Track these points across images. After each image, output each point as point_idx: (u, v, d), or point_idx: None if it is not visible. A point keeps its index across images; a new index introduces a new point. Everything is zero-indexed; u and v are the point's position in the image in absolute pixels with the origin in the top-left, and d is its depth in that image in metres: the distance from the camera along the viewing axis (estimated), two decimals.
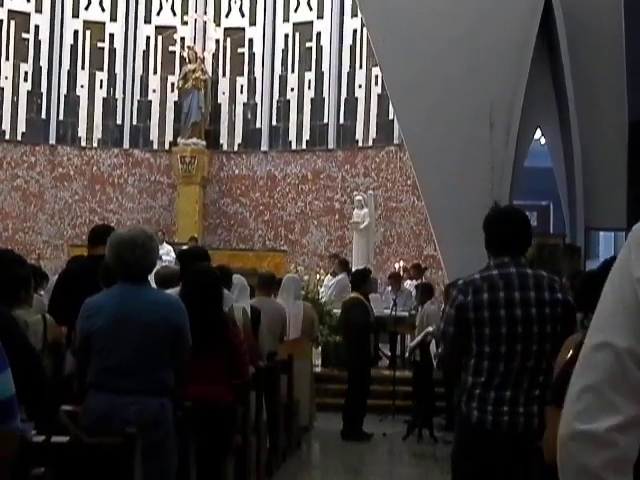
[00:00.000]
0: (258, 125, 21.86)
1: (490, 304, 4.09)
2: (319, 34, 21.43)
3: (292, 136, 21.57)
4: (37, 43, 21.59)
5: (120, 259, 4.54)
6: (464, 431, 4.21)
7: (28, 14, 21.56)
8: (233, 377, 5.80)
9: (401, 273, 16.13)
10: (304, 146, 21.46)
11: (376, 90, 20.28)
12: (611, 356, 1.59)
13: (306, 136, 21.43)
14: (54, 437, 4.09)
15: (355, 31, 20.80)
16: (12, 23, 21.43)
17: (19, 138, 21.45)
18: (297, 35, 21.64)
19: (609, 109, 13.60)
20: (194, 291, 5.52)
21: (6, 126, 21.34)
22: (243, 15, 22.15)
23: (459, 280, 4.43)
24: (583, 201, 13.58)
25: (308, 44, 21.51)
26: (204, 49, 21.89)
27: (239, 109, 22.10)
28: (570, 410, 1.62)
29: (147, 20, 22.16)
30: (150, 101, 22.15)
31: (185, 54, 21.67)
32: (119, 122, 21.95)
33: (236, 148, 22.05)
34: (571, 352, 2.88)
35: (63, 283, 6.36)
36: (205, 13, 22.07)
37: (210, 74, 21.79)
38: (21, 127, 21.47)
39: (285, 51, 21.80)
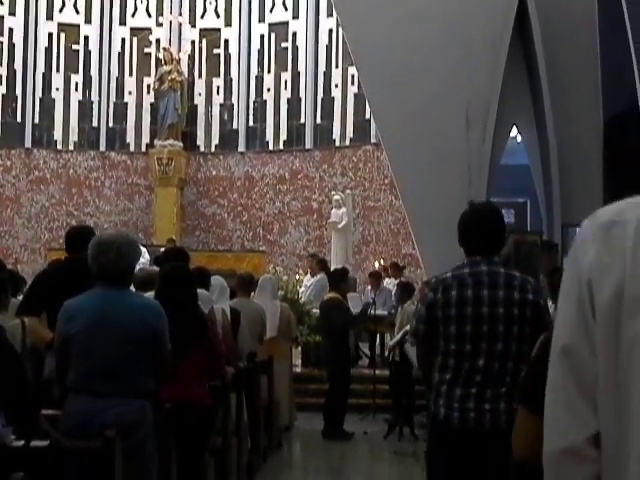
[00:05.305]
0: (235, 126, 21.82)
1: (458, 302, 4.09)
2: (295, 34, 21.42)
3: (269, 136, 21.56)
4: (11, 46, 21.45)
5: (96, 261, 4.53)
6: (434, 428, 4.24)
7: (2, 17, 21.42)
8: (211, 378, 5.78)
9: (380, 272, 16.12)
10: (281, 146, 21.44)
11: (352, 90, 20.30)
12: (570, 362, 1.58)
13: (283, 136, 21.41)
14: (33, 441, 4.07)
15: (331, 31, 20.80)
16: None
17: None
18: (273, 35, 21.62)
19: (584, 106, 13.67)
20: (167, 291, 5.48)
21: None
22: (218, 16, 22.11)
23: (433, 278, 4.43)
24: (560, 198, 13.65)
25: (284, 44, 21.50)
26: (180, 50, 21.83)
27: (215, 110, 22.05)
28: (547, 425, 1.60)
29: (122, 22, 22.06)
30: (126, 103, 22.06)
31: (161, 55, 21.59)
32: (95, 124, 21.85)
33: (213, 149, 22.01)
34: (535, 351, 2.87)
35: (37, 283, 6.30)
36: (180, 14, 22.00)
37: (186, 75, 21.73)
38: None
39: (261, 51, 21.77)
